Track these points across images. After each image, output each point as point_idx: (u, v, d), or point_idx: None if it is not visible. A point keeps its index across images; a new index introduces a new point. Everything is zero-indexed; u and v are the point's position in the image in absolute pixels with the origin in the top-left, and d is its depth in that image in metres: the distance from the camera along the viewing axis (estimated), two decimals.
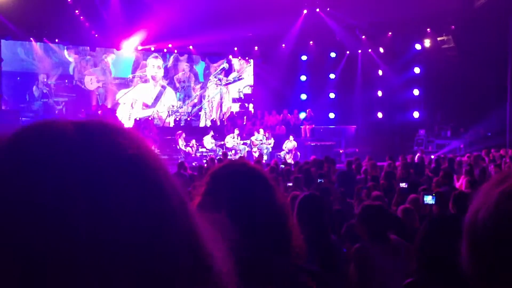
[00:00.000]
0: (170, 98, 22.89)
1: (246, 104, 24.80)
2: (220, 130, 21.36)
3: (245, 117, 23.16)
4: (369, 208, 4.10)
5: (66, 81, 20.48)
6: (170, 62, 23.11)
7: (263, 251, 1.47)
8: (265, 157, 18.37)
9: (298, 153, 19.46)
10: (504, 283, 0.83)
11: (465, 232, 0.90)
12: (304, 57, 25.10)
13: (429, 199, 6.38)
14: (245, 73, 25.05)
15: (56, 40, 19.92)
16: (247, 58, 24.95)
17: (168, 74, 23.05)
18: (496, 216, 0.83)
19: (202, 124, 23.30)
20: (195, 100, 23.81)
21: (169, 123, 22.15)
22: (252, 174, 1.60)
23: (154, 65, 22.70)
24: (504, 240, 0.82)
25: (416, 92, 23.36)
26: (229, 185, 1.55)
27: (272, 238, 1.50)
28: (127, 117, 21.09)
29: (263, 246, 1.48)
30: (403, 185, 8.06)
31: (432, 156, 17.13)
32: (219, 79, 24.36)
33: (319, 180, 9.15)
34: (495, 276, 0.84)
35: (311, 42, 24.39)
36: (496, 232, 0.83)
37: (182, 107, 23.23)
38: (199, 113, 23.73)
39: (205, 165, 13.63)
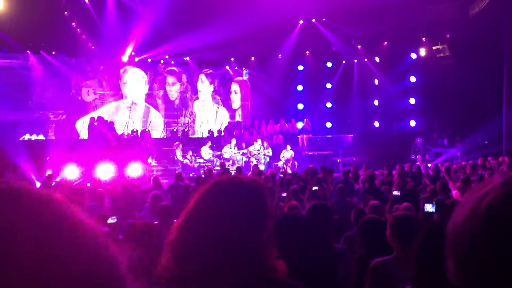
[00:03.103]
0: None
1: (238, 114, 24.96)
2: (217, 140, 21.37)
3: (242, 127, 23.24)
4: (402, 219, 3.86)
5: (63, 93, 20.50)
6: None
7: (233, 263, 1.49)
8: (262, 167, 18.36)
9: (296, 162, 19.46)
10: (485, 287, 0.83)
11: (447, 238, 0.91)
12: (300, 67, 25.19)
13: (429, 208, 6.38)
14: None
15: (53, 53, 19.95)
16: (243, 68, 25.05)
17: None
18: (471, 222, 0.85)
19: (196, 135, 23.35)
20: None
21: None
22: (243, 187, 1.64)
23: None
24: (479, 244, 0.83)
25: (412, 100, 23.43)
26: (215, 200, 1.61)
27: (248, 252, 1.53)
28: (124, 128, 21.11)
29: (238, 262, 1.50)
30: (395, 193, 8.05)
31: (429, 165, 17.15)
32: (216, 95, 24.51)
33: (313, 188, 9.05)
34: (476, 281, 0.85)
35: (307, 52, 24.50)
36: (472, 236, 0.84)
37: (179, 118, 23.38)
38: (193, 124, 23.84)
39: (203, 175, 13.61)
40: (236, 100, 25.17)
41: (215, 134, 22.62)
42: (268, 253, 1.57)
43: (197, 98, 24.14)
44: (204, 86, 24.24)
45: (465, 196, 0.92)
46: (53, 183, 11.44)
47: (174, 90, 23.30)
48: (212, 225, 1.53)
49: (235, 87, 25.15)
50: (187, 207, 1.62)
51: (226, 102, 24.92)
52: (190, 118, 23.79)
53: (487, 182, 0.90)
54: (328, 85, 25.16)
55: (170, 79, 23.21)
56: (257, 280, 1.52)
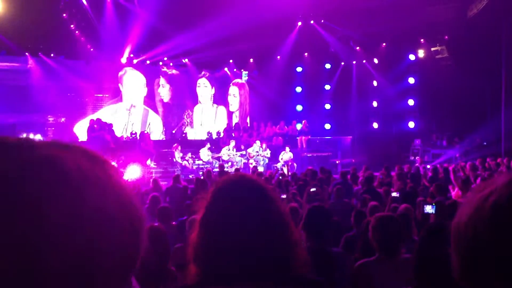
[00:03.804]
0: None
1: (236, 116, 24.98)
2: (216, 142, 21.37)
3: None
4: (384, 219, 3.79)
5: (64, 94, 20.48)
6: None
7: (264, 261, 1.48)
8: (261, 169, 18.36)
9: (295, 164, 19.45)
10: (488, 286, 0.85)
11: (451, 238, 0.93)
12: (299, 69, 25.23)
13: (429, 209, 6.38)
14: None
15: (52, 55, 19.94)
16: (242, 70, 25.07)
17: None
18: (474, 220, 0.87)
19: (192, 137, 23.34)
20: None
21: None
22: (251, 185, 1.62)
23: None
24: (483, 242, 0.85)
25: (411, 102, 23.46)
26: (230, 197, 1.58)
27: (272, 248, 1.51)
28: (123, 131, 21.11)
29: (266, 256, 1.49)
30: (394, 194, 8.04)
31: (428, 166, 17.15)
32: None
33: (311, 190, 9.03)
34: (480, 280, 0.86)
35: (306, 54, 24.53)
36: (476, 235, 0.86)
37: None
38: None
39: (202, 177, 13.60)
40: (234, 103, 25.17)
41: (214, 136, 22.63)
42: (297, 250, 1.57)
43: (197, 102, 24.15)
44: (206, 90, 24.24)
45: (469, 195, 0.93)
46: None
47: (166, 91, 23.23)
48: (240, 229, 1.52)
49: (234, 90, 25.16)
50: (205, 210, 1.60)
51: (225, 103, 24.92)
52: (187, 120, 23.79)
53: (491, 181, 0.92)
54: (327, 87, 25.20)
55: (162, 80, 23.14)
56: (285, 280, 1.52)
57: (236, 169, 13.14)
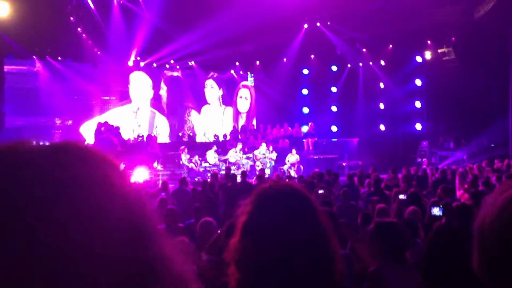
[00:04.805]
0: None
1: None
2: (223, 144, 21.38)
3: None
4: (384, 226, 3.71)
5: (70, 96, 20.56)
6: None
7: (310, 272, 1.48)
8: (268, 171, 18.35)
9: (301, 166, 19.42)
10: None
11: (475, 239, 0.95)
12: (305, 71, 25.22)
13: (436, 211, 6.36)
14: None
15: (59, 58, 20.03)
16: (248, 72, 25.10)
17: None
18: (501, 220, 0.89)
19: (199, 139, 23.36)
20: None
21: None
22: (299, 195, 1.61)
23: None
24: (509, 242, 0.87)
25: (418, 104, 23.39)
26: (276, 205, 1.56)
27: (318, 259, 1.51)
28: (130, 133, 21.16)
29: (309, 267, 1.48)
30: (402, 196, 8.02)
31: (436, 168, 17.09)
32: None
33: (319, 191, 9.01)
34: (505, 278, 0.88)
35: (312, 56, 24.53)
36: (502, 235, 0.89)
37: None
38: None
39: (209, 180, 13.60)
40: (244, 105, 25.24)
41: (221, 139, 22.65)
42: (337, 262, 1.57)
43: (204, 103, 24.19)
44: (214, 91, 24.29)
45: (492, 197, 0.96)
46: None
47: (164, 93, 23.24)
48: (285, 239, 1.51)
49: (245, 93, 25.21)
50: (248, 216, 1.59)
51: (232, 105, 24.95)
52: (191, 124, 23.84)
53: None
54: (334, 89, 25.18)
55: (162, 82, 23.18)
56: None
57: (243, 172, 13.11)
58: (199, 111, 24.10)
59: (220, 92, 24.42)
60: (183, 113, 23.75)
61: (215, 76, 24.13)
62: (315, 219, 1.57)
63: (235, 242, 1.53)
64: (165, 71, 23.04)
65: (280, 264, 1.47)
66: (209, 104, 24.31)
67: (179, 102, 23.59)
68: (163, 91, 23.06)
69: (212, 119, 24.28)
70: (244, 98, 25.20)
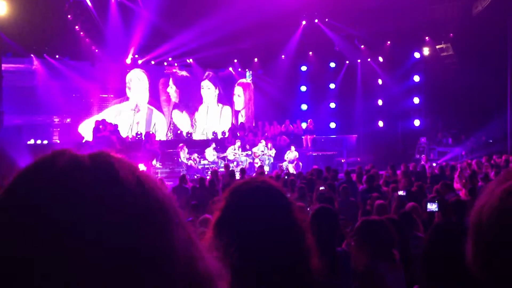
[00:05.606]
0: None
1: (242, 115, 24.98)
2: (221, 142, 21.37)
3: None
4: (370, 224, 3.70)
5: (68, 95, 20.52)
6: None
7: (284, 267, 1.48)
8: (266, 168, 18.34)
9: (300, 163, 19.42)
10: (509, 279, 0.86)
11: (470, 230, 0.94)
12: (304, 68, 25.20)
13: (432, 207, 6.37)
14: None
15: (57, 56, 19.98)
16: (246, 69, 25.06)
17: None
18: (499, 211, 0.88)
19: (198, 137, 23.34)
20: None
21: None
22: (272, 191, 1.61)
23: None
24: (507, 234, 0.86)
25: (416, 100, 23.40)
26: (249, 201, 1.56)
27: (292, 254, 1.51)
28: (128, 131, 21.15)
29: (283, 262, 1.48)
30: (401, 193, 8.04)
31: (434, 164, 17.12)
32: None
33: (320, 188, 9.03)
34: (500, 272, 0.87)
35: (310, 53, 24.50)
36: (500, 227, 0.88)
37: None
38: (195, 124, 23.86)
39: (208, 177, 13.61)
40: (239, 103, 25.18)
41: (219, 136, 22.63)
42: (313, 257, 1.57)
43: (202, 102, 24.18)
44: (210, 92, 24.24)
45: (490, 187, 0.95)
46: None
47: (173, 91, 23.24)
48: (259, 235, 1.51)
49: (238, 90, 25.17)
50: (221, 213, 1.59)
51: (230, 103, 24.92)
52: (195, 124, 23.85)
53: (510, 174, 0.94)
54: (332, 86, 25.16)
55: (171, 81, 23.16)
56: (301, 285, 1.52)
57: (242, 169, 13.12)
58: (197, 110, 24.09)
59: (216, 92, 24.37)
60: (192, 113, 23.76)
61: (210, 76, 24.05)
62: (290, 215, 1.57)
63: (208, 238, 1.53)
64: (178, 71, 23.04)
65: (253, 260, 1.47)
66: (206, 104, 24.23)
67: (187, 101, 23.60)
68: (172, 90, 23.03)
69: (209, 118, 24.22)
70: (237, 96, 25.16)
